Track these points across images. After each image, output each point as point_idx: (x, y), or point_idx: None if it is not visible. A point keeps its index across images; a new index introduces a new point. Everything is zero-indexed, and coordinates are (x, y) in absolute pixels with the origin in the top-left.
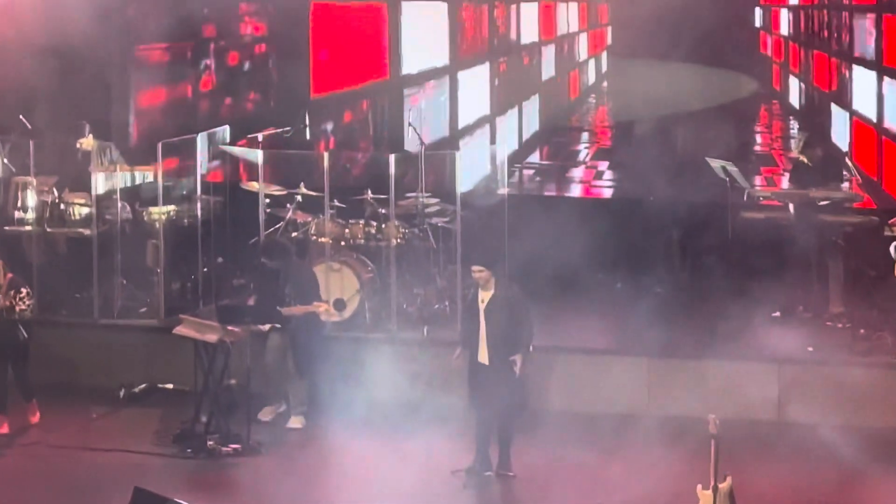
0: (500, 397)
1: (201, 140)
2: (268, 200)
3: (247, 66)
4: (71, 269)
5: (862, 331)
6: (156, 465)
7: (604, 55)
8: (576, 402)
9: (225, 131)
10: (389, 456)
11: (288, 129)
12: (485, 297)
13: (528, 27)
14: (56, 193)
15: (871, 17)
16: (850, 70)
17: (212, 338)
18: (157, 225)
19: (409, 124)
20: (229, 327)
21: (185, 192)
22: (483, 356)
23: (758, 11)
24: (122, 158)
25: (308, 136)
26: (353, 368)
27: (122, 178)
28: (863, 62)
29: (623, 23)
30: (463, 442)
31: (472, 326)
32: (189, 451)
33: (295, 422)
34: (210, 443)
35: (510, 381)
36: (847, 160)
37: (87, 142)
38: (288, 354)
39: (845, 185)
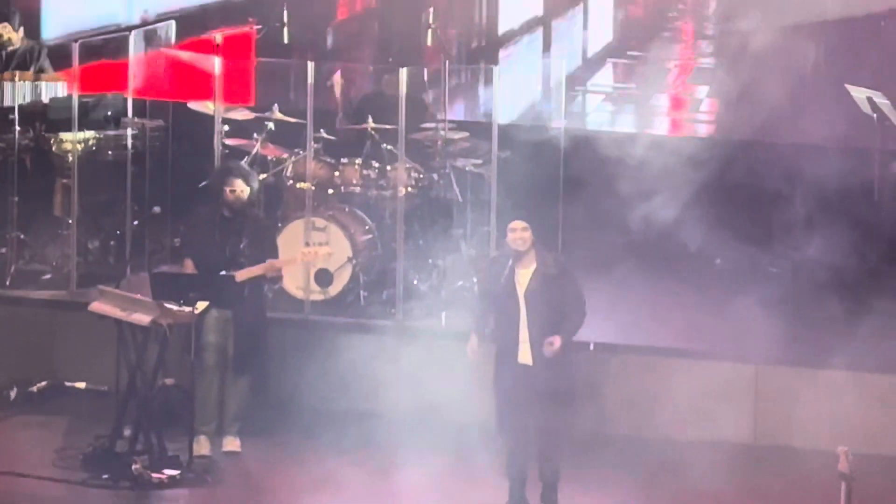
0: (549, 413)
1: (135, 39)
2: (226, 128)
3: None
4: None
5: None
6: (58, 497)
7: None
8: (653, 423)
9: (169, 27)
10: (384, 497)
11: (258, 26)
12: (524, 273)
13: None
14: None
15: None
16: None
17: (143, 319)
18: (70, 158)
19: (430, 26)
20: (167, 304)
21: (109, 113)
22: (525, 354)
23: None
24: (51, 68)
25: (286, 38)
26: (333, 368)
27: (20, 89)
28: None
29: None
30: (489, 478)
31: (505, 312)
32: (106, 476)
33: (231, 443)
34: (136, 466)
35: (561, 391)
36: None
37: (14, 36)
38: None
39: None
